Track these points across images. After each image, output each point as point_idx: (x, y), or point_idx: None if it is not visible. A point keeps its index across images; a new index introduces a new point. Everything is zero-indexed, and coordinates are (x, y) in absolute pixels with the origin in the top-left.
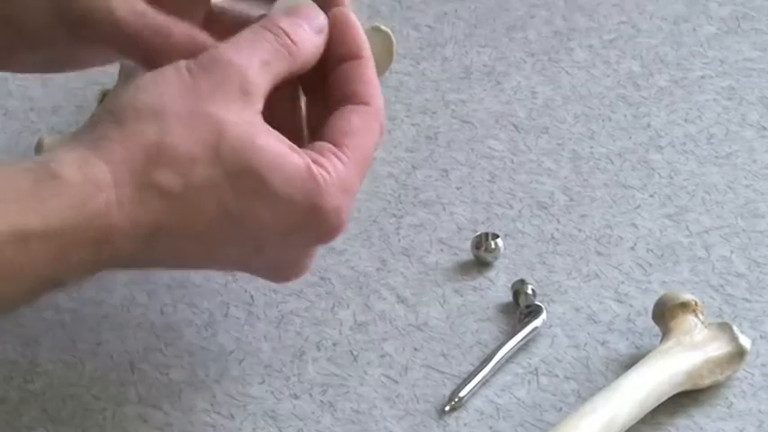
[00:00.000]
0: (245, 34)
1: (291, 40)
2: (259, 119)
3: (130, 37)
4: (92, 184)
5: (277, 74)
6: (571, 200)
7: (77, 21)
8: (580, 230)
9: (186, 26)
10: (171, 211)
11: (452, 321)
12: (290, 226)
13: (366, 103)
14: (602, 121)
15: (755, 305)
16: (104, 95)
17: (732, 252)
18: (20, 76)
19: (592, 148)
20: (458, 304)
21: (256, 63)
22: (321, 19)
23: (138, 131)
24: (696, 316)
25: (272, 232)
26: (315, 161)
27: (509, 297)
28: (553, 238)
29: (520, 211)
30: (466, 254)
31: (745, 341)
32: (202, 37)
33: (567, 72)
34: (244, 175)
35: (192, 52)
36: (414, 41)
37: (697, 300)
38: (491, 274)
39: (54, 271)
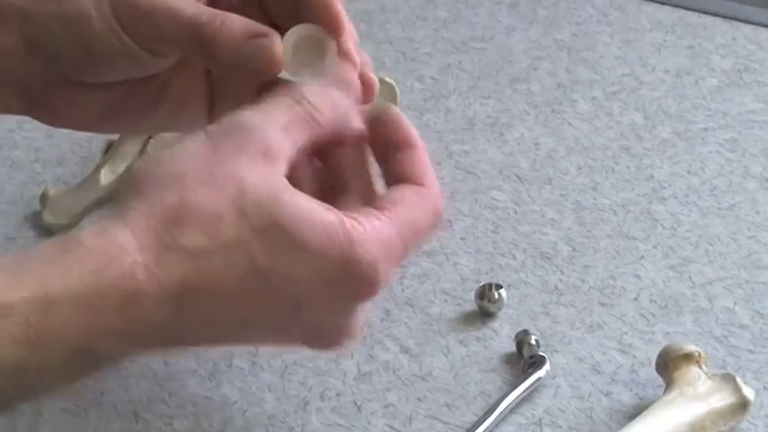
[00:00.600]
0: (266, 100)
1: (313, 106)
2: (284, 181)
3: (188, 25)
4: (115, 247)
5: (299, 138)
6: (574, 250)
7: (135, 15)
8: (583, 281)
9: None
10: (198, 271)
11: (456, 372)
12: (324, 281)
13: (422, 185)
14: (606, 172)
15: (759, 356)
16: (109, 147)
17: (735, 303)
18: (26, 126)
19: (595, 199)
20: (461, 355)
21: (278, 127)
22: (350, 78)
23: (158, 197)
24: (699, 367)
25: (307, 289)
26: (348, 216)
27: (513, 347)
28: (556, 288)
29: (523, 262)
30: (469, 304)
31: (748, 392)
32: (255, 25)
33: (570, 123)
34: (271, 231)
35: (245, 39)
36: (418, 93)
37: (700, 351)
38: (495, 324)
39: (83, 339)
